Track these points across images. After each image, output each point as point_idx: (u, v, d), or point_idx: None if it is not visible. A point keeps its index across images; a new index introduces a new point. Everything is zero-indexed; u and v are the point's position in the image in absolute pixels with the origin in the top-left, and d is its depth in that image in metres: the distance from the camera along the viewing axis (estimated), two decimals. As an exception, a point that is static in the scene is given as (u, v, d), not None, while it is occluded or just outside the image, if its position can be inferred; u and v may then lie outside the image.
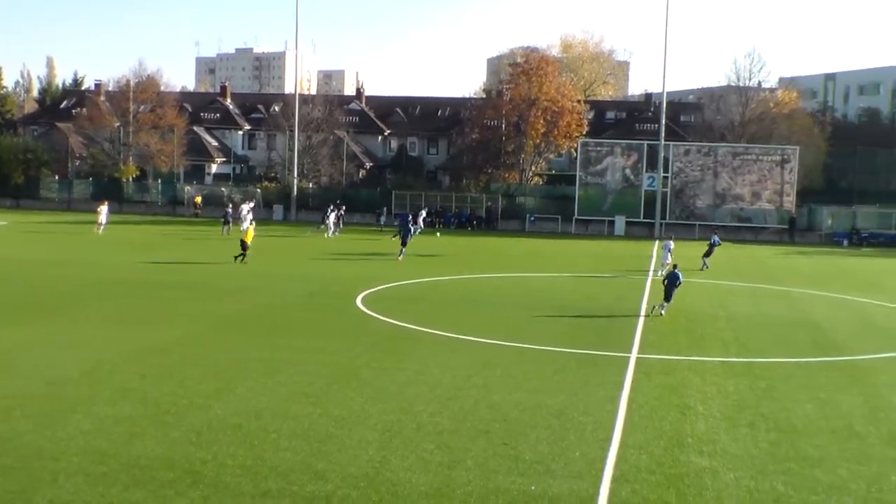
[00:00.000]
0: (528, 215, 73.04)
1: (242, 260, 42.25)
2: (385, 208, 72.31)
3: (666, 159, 71.32)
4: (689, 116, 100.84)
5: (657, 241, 47.75)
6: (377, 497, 14.03)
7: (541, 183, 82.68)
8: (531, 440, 17.06)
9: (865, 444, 17.62)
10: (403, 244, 47.39)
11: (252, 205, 64.21)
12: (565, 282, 41.61)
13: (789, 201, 70.58)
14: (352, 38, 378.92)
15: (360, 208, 75.62)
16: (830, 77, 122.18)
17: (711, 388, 21.58)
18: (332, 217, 62.27)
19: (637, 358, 24.77)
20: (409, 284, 38.41)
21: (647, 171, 71.68)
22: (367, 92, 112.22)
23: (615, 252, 54.26)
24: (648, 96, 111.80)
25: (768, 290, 40.39)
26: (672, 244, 44.98)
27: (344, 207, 67.24)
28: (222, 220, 60.43)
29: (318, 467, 15.10)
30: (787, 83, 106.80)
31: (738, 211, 70.97)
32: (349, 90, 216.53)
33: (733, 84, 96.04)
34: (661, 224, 69.37)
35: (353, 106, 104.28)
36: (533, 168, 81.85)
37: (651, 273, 44.71)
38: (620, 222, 69.28)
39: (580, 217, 69.67)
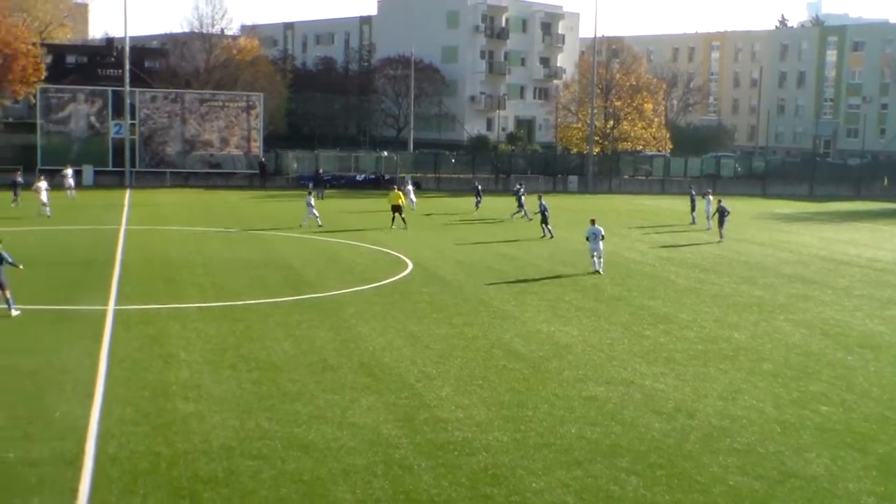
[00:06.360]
0: (-15, 166, 68.08)
1: None
2: None
3: (132, 106, 69.58)
4: (153, 62, 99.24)
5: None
6: None
7: (-3, 131, 77.31)
8: (5, 405, 16.16)
9: (339, 375, 18.77)
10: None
11: None
12: (33, 236, 39.35)
13: (256, 146, 72.19)
14: None
15: None
16: (290, 26, 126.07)
17: (192, 335, 21.75)
18: None
19: (116, 310, 24.28)
20: None
21: (113, 119, 69.53)
22: None
23: (87, 203, 52.23)
24: (110, 41, 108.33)
25: (242, 234, 41.21)
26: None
27: None
28: None
29: None
30: (248, 31, 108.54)
31: (209, 157, 71.33)
32: None
33: (196, 30, 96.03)
34: (130, 172, 67.84)
35: None
36: (-13, 116, 76.23)
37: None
38: (89, 172, 66.66)
39: (45, 167, 65.98)
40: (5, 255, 22.83)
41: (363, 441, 15.05)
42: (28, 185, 48.58)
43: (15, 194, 48.63)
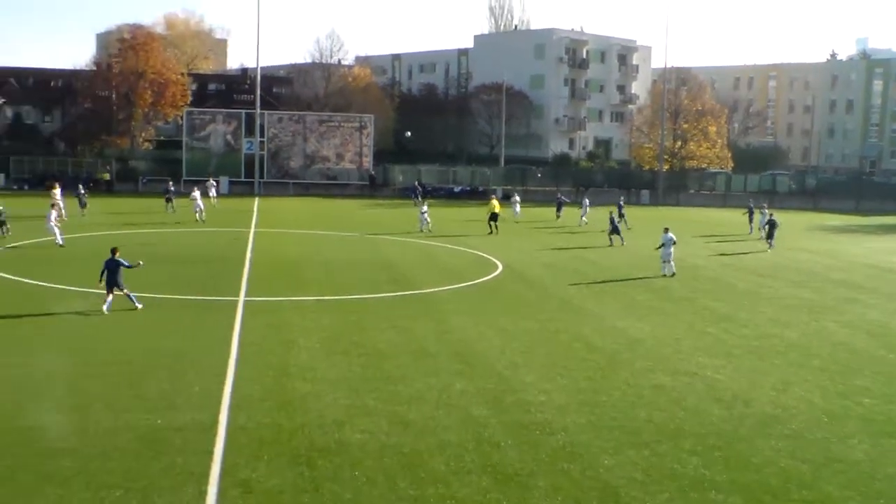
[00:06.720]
0: (140, 177, 70.07)
1: None
2: (2, 175, 66.69)
3: (262, 126, 71.03)
4: (280, 89, 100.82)
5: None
6: (10, 440, 13.16)
7: (151, 148, 79.65)
8: (154, 380, 16.55)
9: (436, 362, 18.77)
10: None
11: None
12: (173, 235, 40.29)
13: (367, 161, 72.98)
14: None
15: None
16: (397, 57, 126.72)
17: (310, 324, 21.97)
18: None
19: (245, 301, 24.65)
20: (44, 242, 35.26)
21: (246, 137, 71.08)
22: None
23: (224, 208, 53.26)
24: (245, 70, 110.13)
25: (354, 237, 41.58)
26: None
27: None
28: None
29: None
30: (361, 61, 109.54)
31: (326, 170, 72.37)
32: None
33: (317, 61, 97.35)
34: (259, 182, 69.40)
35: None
36: (143, 134, 78.61)
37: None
38: (225, 182, 68.16)
39: (188, 178, 67.63)
40: (123, 261, 23.04)
41: (456, 420, 15.02)
42: (180, 194, 49.76)
43: (169, 201, 49.76)
